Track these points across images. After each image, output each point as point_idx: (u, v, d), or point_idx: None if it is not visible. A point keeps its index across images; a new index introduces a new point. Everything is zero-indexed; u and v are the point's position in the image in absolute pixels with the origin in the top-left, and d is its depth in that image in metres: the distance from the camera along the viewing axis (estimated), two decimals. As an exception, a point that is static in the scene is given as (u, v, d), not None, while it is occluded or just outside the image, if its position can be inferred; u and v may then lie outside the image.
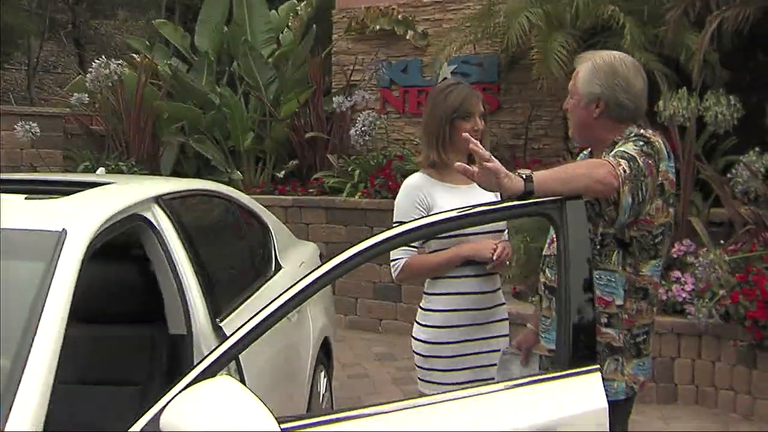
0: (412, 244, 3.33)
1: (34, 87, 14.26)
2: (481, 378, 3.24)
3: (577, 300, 2.27)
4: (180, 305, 2.99)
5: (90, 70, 9.28)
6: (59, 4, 16.15)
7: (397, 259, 3.36)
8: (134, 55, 10.64)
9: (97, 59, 9.30)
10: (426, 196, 3.21)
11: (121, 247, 3.17)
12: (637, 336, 2.68)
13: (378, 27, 9.48)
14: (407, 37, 9.34)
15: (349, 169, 8.62)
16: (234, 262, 3.96)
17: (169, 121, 9.83)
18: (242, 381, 2.76)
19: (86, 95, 9.32)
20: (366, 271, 7.97)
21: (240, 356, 2.66)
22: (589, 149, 2.88)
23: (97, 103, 9.53)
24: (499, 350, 3.27)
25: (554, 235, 2.59)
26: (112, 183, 3.35)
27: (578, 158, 2.97)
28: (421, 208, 3.22)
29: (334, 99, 9.22)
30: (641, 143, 2.56)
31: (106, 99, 9.40)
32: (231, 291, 3.54)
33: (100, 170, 4.40)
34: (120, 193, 3.16)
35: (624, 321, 2.66)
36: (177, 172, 9.77)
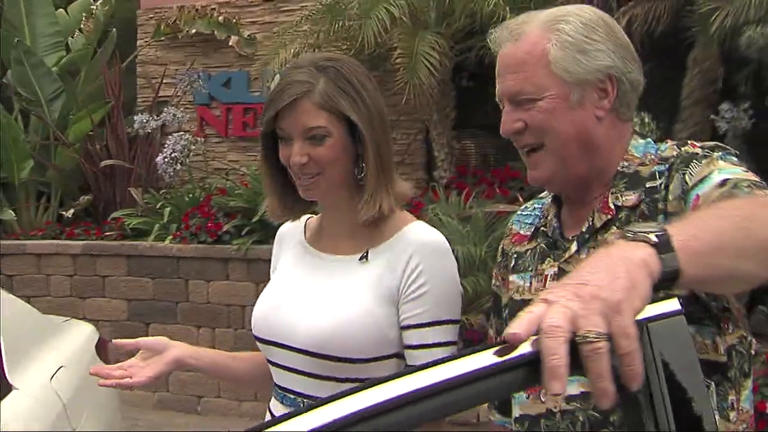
0: None
1: None
2: None
3: None
4: None
5: None
6: None
7: None
8: None
9: None
10: (278, 257, 1.97)
11: None
12: None
13: (194, 31, 8.15)
14: (231, 44, 8.07)
15: (158, 207, 7.36)
16: None
17: None
18: None
19: None
20: (177, 332, 6.74)
21: None
22: (547, 199, 1.68)
23: None
24: None
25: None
26: None
27: (512, 223, 1.77)
28: (272, 277, 2.00)
29: (136, 118, 7.81)
30: (734, 157, 1.43)
31: None
32: None
33: None
34: None
35: None
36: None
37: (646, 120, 5.12)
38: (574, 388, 1.44)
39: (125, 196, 7.77)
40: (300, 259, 1.85)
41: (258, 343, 1.83)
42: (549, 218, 1.58)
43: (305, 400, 1.71)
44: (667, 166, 1.45)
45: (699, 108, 5.72)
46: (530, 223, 1.65)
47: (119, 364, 1.74)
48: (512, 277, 1.63)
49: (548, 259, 1.55)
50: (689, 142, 1.49)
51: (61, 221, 7.93)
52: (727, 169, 1.36)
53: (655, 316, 1.05)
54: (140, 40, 8.53)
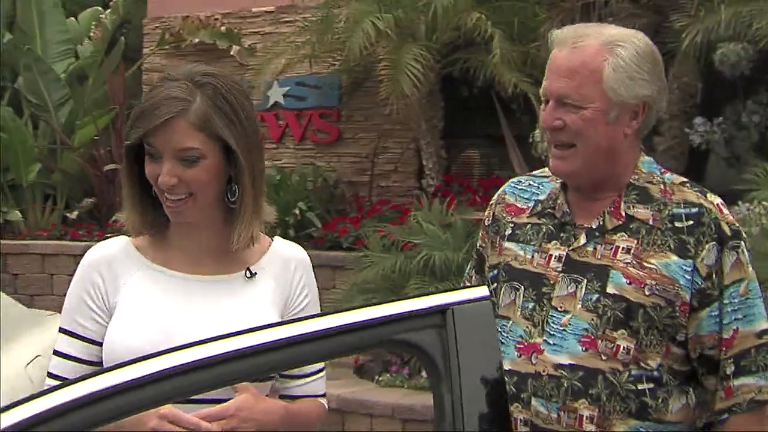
0: None
1: None
2: None
3: None
4: None
5: None
6: None
7: None
8: None
9: None
10: (106, 286, 1.66)
11: None
12: None
13: (197, 40, 8.27)
14: (232, 53, 8.15)
15: (157, 210, 7.22)
16: None
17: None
18: None
19: None
20: None
21: None
22: (554, 183, 1.79)
23: None
24: None
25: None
26: None
27: (504, 194, 1.89)
28: (93, 307, 1.66)
29: (137, 124, 7.75)
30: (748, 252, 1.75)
31: None
32: None
33: None
34: None
35: None
36: (-65, 212, 7.88)
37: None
38: (564, 359, 1.65)
39: (127, 200, 7.94)
40: (159, 284, 1.66)
41: None
42: (559, 202, 1.74)
43: None
44: (695, 210, 1.67)
45: (677, 122, 5.84)
46: (527, 198, 1.80)
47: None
48: (508, 245, 1.77)
49: (554, 241, 1.72)
50: (715, 203, 1.69)
51: (65, 223, 8.12)
52: (756, 289, 1.66)
53: (462, 301, 1.22)
54: (146, 48, 8.65)
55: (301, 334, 1.12)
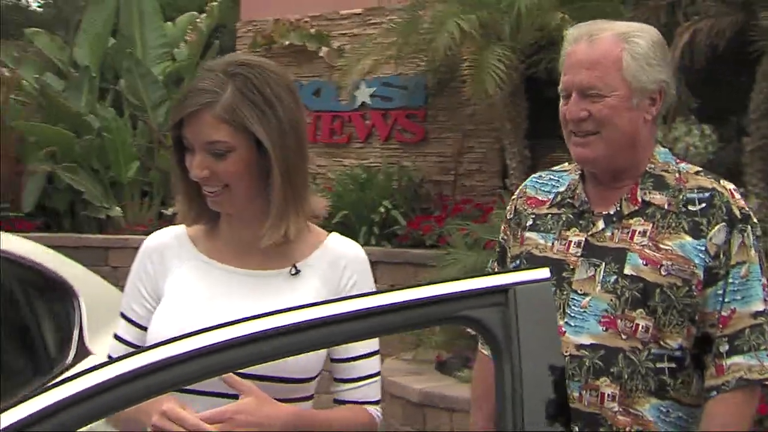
0: None
1: None
2: None
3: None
4: None
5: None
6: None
7: None
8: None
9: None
10: (156, 273, 1.67)
11: None
12: None
13: (288, 42, 8.51)
14: (321, 55, 8.38)
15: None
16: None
17: (36, 147, 8.42)
18: None
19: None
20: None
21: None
22: (573, 174, 1.87)
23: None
24: None
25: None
26: None
27: (526, 188, 1.95)
28: (144, 294, 1.67)
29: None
30: (753, 237, 1.78)
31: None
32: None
33: None
34: None
35: None
36: (43, 207, 8.32)
37: (707, 132, 5.19)
38: (585, 339, 1.72)
39: (221, 197, 8.21)
40: (205, 275, 1.64)
41: None
42: (578, 192, 1.81)
43: None
44: (707, 195, 1.74)
45: (765, 121, 5.72)
46: (547, 191, 1.87)
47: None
48: (529, 234, 1.83)
49: (574, 228, 1.79)
50: (728, 188, 1.75)
51: (161, 218, 8.38)
52: (757, 272, 1.71)
53: (523, 281, 1.31)
54: (239, 50, 8.79)
55: (369, 308, 1.22)
